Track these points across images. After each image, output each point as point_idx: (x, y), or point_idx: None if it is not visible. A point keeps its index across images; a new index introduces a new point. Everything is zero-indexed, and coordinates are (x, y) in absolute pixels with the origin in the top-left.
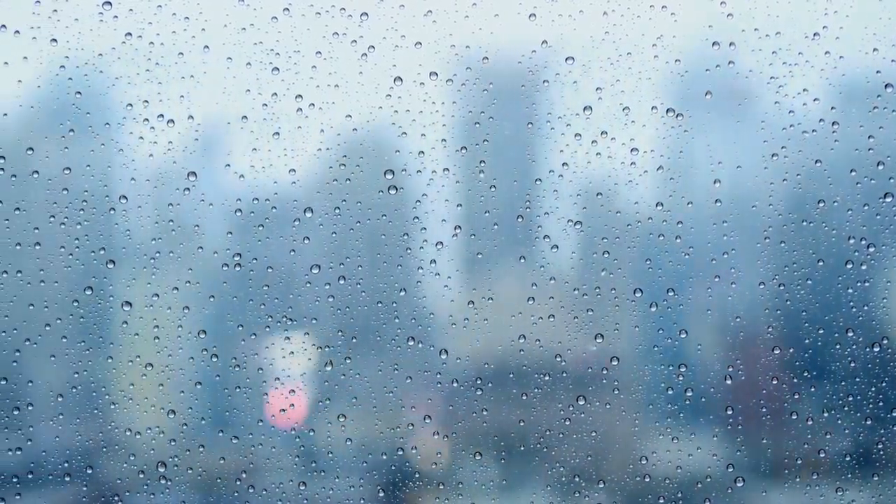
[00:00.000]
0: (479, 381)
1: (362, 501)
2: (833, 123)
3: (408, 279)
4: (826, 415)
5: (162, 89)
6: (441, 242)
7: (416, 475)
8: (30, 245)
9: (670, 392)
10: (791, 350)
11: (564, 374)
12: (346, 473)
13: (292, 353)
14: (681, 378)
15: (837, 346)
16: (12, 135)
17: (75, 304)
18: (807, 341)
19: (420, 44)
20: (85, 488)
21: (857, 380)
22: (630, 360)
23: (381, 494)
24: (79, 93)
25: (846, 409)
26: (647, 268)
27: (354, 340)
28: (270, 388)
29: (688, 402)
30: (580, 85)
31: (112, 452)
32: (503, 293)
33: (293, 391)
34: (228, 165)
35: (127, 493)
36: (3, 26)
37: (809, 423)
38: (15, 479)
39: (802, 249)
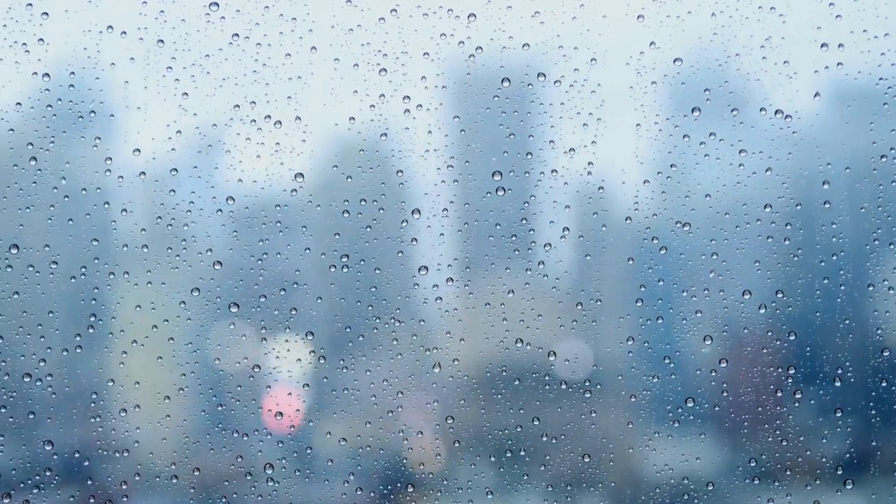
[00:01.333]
0: (587, 383)
1: None
2: None
3: (516, 280)
4: None
5: (269, 90)
6: (549, 244)
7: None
8: (137, 247)
9: (779, 394)
10: None
11: (673, 376)
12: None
13: (400, 354)
14: (790, 380)
15: None
16: (120, 135)
17: (182, 305)
18: None
19: (528, 45)
20: (192, 490)
21: None
22: (738, 361)
23: None
24: (185, 94)
25: None
26: (756, 269)
27: (462, 341)
28: (378, 389)
29: (796, 405)
30: (688, 86)
31: (219, 454)
32: (612, 295)
33: (400, 393)
34: (336, 167)
35: (235, 495)
36: (110, 27)
37: None
38: (124, 484)
39: None
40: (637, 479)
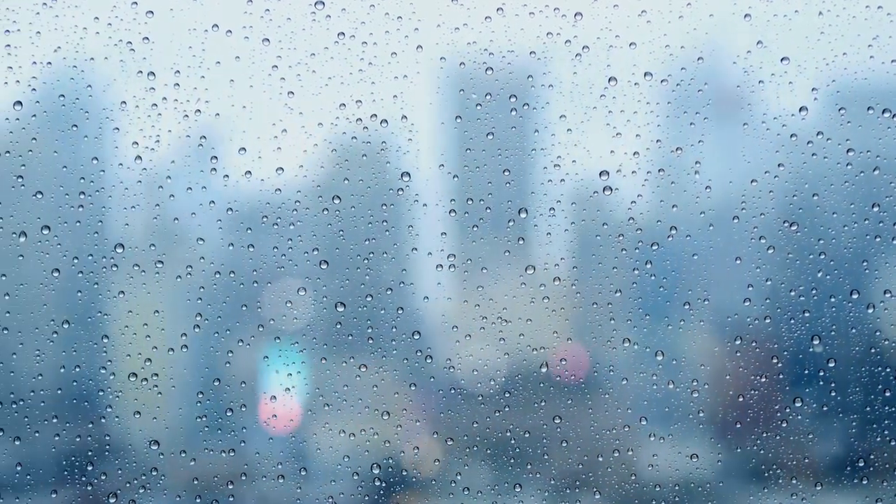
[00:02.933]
0: (695, 382)
1: None
2: None
3: (623, 280)
4: None
5: (375, 89)
6: (657, 244)
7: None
8: (243, 246)
9: (887, 394)
10: None
11: (781, 376)
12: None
13: (507, 354)
14: None
15: None
16: (225, 134)
17: (289, 304)
18: None
19: (634, 44)
20: (299, 489)
21: None
22: (846, 361)
23: None
24: (291, 93)
25: None
26: (864, 269)
27: (570, 341)
28: (486, 389)
29: None
30: (795, 85)
31: (326, 453)
32: (720, 294)
33: (507, 393)
34: (442, 166)
35: (341, 495)
36: (216, 26)
37: None
38: (230, 483)
39: None
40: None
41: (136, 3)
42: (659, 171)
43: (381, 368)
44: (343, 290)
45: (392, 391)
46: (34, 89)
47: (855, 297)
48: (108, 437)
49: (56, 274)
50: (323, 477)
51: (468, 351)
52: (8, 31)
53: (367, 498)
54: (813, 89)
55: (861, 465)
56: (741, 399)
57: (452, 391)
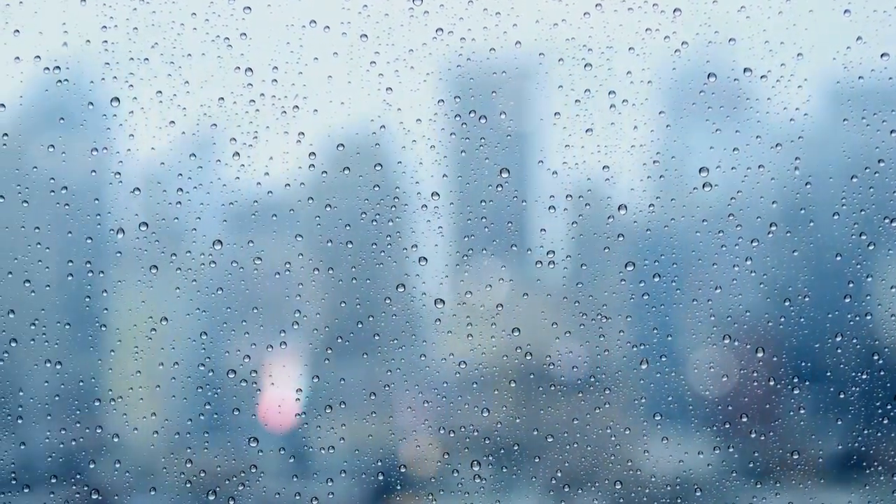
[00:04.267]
0: (795, 380)
1: None
2: None
3: (723, 277)
4: None
5: (473, 84)
6: (756, 240)
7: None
8: (342, 242)
9: None
10: None
11: (882, 373)
12: None
13: (607, 351)
14: None
15: None
16: (323, 130)
17: (387, 301)
18: None
19: (734, 40)
20: (399, 487)
21: None
22: None
23: None
24: (389, 89)
25: None
26: None
27: (669, 338)
28: (586, 386)
29: None
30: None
31: (424, 449)
32: (820, 291)
33: (607, 390)
34: (541, 162)
35: (439, 494)
36: (313, 21)
37: None
38: (330, 481)
39: None
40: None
41: None
42: (759, 167)
43: (480, 365)
44: (441, 287)
45: (493, 388)
46: (131, 85)
47: None
48: (206, 434)
49: (154, 271)
50: (420, 473)
51: (568, 347)
52: (105, 27)
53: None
54: None
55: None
56: (842, 396)
57: (552, 387)
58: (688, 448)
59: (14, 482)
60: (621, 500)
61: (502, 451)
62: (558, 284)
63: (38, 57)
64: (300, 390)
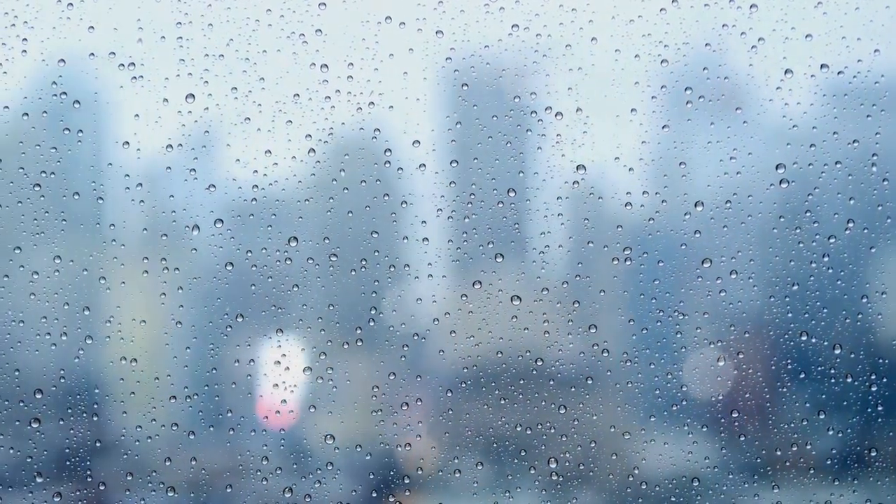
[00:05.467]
0: (873, 377)
1: None
2: None
3: (800, 273)
4: None
5: (549, 81)
6: (833, 236)
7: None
8: (417, 240)
9: None
10: None
11: None
12: None
13: (684, 348)
14: None
15: None
16: (399, 127)
17: (464, 298)
18: None
19: (810, 36)
20: (476, 483)
21: None
22: None
23: None
24: (465, 85)
25: None
26: None
27: (747, 335)
28: (663, 383)
29: None
30: None
31: (503, 447)
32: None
33: (684, 387)
34: (617, 158)
35: (511, 492)
36: (388, 17)
37: None
38: (406, 478)
39: None
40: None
41: None
42: (836, 163)
43: (557, 362)
44: (517, 284)
45: (569, 386)
46: (206, 82)
47: None
48: (282, 431)
49: (230, 267)
50: (505, 470)
51: (644, 344)
52: (180, 23)
53: None
54: None
55: None
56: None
57: (629, 384)
58: (765, 443)
59: (90, 479)
60: None
61: (582, 447)
62: (635, 281)
63: (113, 53)
64: (377, 387)
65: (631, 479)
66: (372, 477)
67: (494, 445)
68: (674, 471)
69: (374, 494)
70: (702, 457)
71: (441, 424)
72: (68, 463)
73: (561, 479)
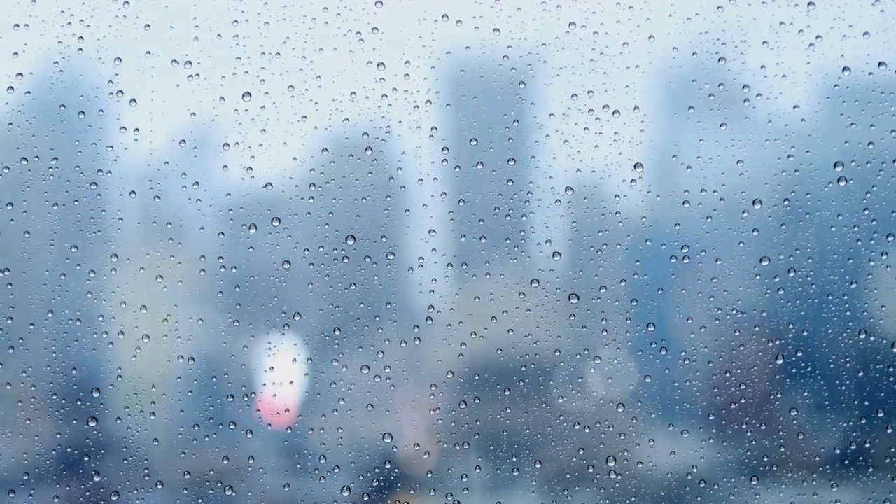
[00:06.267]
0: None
1: None
2: None
3: (858, 271)
4: None
5: (607, 79)
6: (892, 234)
7: None
8: (475, 237)
9: None
10: None
11: None
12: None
13: (742, 346)
14: None
15: None
16: (456, 125)
17: (521, 296)
18: None
19: (868, 33)
20: (535, 483)
21: None
22: None
23: None
24: (522, 83)
25: None
26: None
27: (805, 333)
28: (721, 381)
29: None
30: None
31: (561, 445)
32: None
33: (743, 385)
34: (675, 156)
35: (580, 488)
36: (445, 16)
37: None
38: (464, 477)
39: None
40: None
41: None
42: (894, 161)
43: (615, 360)
44: (576, 282)
45: (627, 384)
46: (262, 80)
47: None
48: (340, 430)
49: (287, 266)
50: (560, 468)
51: (703, 343)
52: (236, 21)
53: None
54: None
55: None
56: None
57: (687, 383)
58: (823, 441)
59: (147, 478)
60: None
61: (641, 442)
62: (692, 279)
63: (169, 51)
64: (434, 385)
65: (689, 477)
66: (430, 475)
67: (552, 444)
68: (732, 469)
69: (432, 493)
70: (760, 455)
71: (499, 423)
72: (125, 462)
73: (619, 477)
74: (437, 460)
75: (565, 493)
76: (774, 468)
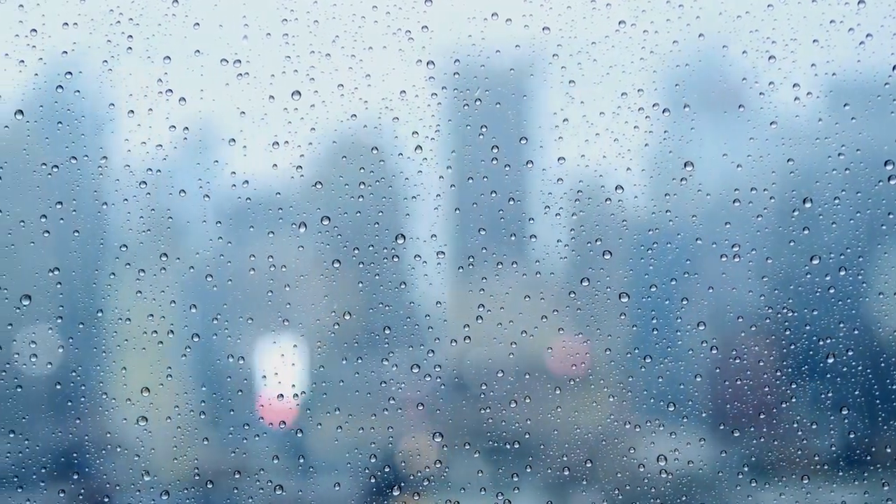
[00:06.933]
0: None
1: None
2: None
3: None
4: None
5: (657, 77)
6: None
7: None
8: (524, 236)
9: None
10: None
11: None
12: None
13: (793, 345)
14: None
15: None
16: (506, 124)
17: (572, 295)
18: None
19: None
20: (583, 482)
21: None
22: None
23: None
24: (572, 81)
25: None
26: None
27: (857, 332)
28: (771, 380)
29: None
30: None
31: (612, 446)
32: None
33: (793, 384)
34: (725, 155)
35: (630, 488)
36: (495, 14)
37: None
38: (515, 476)
39: None
40: None
41: None
42: None
43: (666, 359)
44: (626, 281)
45: (677, 383)
46: (312, 79)
47: None
48: (390, 429)
49: (337, 265)
50: (613, 470)
51: (753, 341)
52: (285, 20)
53: None
54: None
55: None
56: None
57: (738, 381)
58: (874, 440)
59: (197, 476)
60: None
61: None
62: (743, 278)
63: (219, 50)
64: (485, 385)
65: (740, 476)
66: (481, 474)
67: (603, 443)
68: (783, 469)
69: (483, 492)
70: (812, 454)
71: (550, 422)
72: (175, 461)
73: (670, 476)
74: (488, 459)
75: (616, 492)
76: (825, 467)
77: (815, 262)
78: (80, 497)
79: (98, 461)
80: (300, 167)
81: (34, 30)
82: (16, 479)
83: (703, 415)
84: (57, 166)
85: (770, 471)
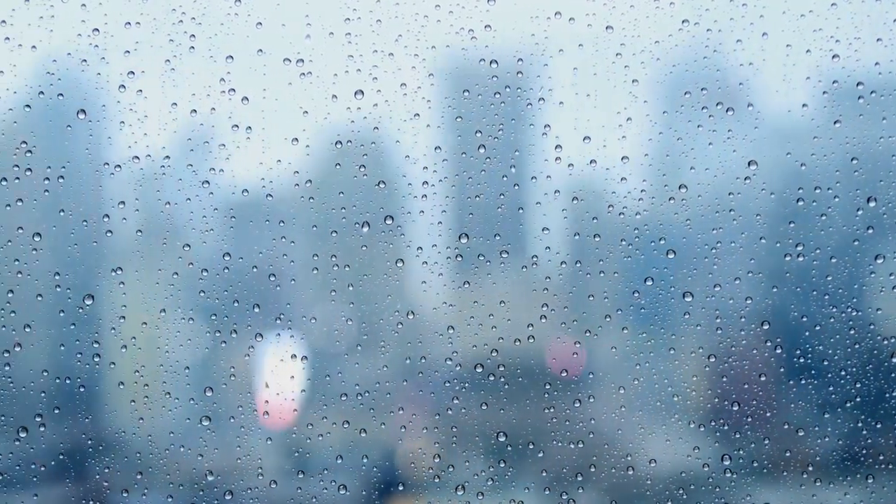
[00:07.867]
0: None
1: None
2: None
3: None
4: None
5: (720, 77)
6: None
7: None
8: (589, 236)
9: None
10: None
11: None
12: None
13: (857, 344)
14: None
15: None
16: (569, 123)
17: (636, 294)
18: None
19: None
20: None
21: None
22: None
23: None
24: (635, 80)
25: None
26: None
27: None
28: (836, 379)
29: None
30: None
31: (675, 443)
32: None
33: (858, 384)
34: (789, 154)
35: (695, 487)
36: (558, 13)
37: None
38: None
39: None
40: None
41: None
42: None
43: (729, 358)
44: (690, 280)
45: (741, 382)
46: (375, 78)
47: None
48: (454, 429)
49: (400, 265)
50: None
51: (817, 340)
52: (348, 19)
53: None
54: None
55: None
56: None
57: (802, 381)
58: None
59: (261, 476)
60: None
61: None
62: (807, 277)
63: (281, 49)
64: (548, 384)
65: (805, 476)
66: (543, 474)
67: (667, 442)
68: (848, 469)
69: (547, 492)
70: (876, 454)
71: (614, 421)
72: (239, 461)
73: (735, 475)
74: (553, 459)
75: (680, 491)
76: (891, 466)
77: (880, 261)
78: (144, 497)
79: (161, 461)
80: (363, 167)
81: (97, 29)
82: (71, 474)
83: (767, 414)
84: (119, 166)
85: (836, 470)
